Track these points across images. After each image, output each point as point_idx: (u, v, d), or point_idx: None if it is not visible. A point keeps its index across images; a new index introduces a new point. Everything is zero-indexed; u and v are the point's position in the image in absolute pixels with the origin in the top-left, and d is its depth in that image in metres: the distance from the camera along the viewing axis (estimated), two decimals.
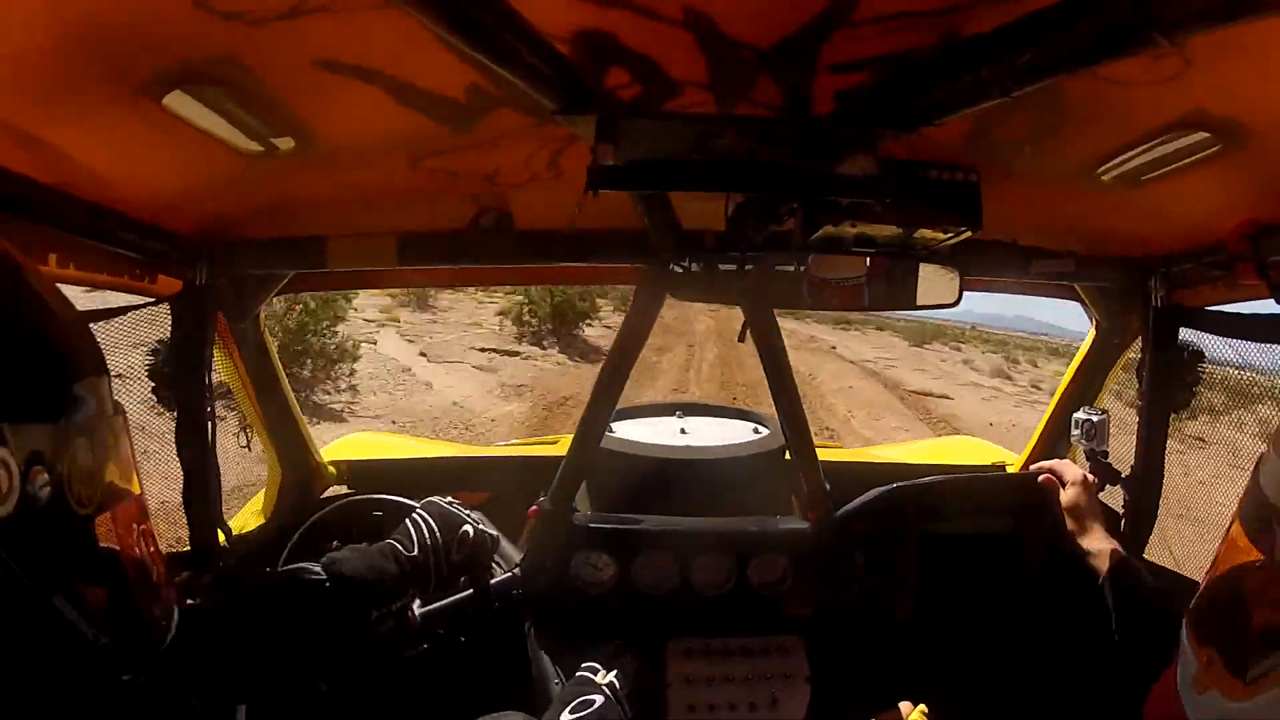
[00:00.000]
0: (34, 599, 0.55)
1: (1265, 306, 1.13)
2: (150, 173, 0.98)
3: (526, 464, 1.84)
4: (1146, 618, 1.11)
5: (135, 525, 0.68)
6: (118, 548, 0.65)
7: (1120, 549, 1.21)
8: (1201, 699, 0.66)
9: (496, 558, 1.51)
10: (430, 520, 1.25)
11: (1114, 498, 1.46)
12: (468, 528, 1.28)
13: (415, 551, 1.20)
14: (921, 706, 1.07)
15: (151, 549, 0.70)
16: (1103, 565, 1.19)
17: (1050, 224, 1.31)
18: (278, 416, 1.60)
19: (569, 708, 1.11)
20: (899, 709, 1.10)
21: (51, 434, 0.58)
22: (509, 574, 1.44)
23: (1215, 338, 1.32)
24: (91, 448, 0.62)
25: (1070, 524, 1.28)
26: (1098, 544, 1.23)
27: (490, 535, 1.33)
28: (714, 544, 1.45)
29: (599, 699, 1.13)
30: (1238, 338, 1.28)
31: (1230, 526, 0.68)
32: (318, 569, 1.10)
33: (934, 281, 1.09)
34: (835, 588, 1.46)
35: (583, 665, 1.23)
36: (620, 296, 16.60)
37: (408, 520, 1.25)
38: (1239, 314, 1.24)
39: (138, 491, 0.69)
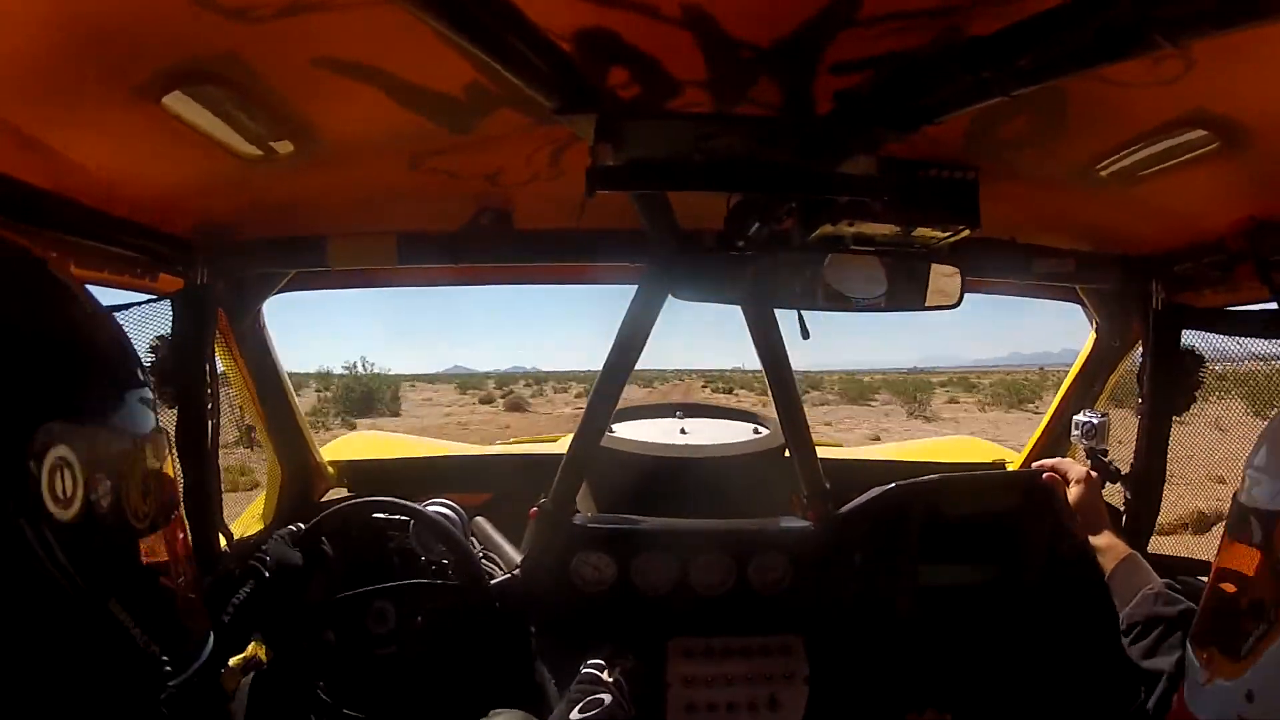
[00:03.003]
0: (91, 604, 0.56)
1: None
2: (150, 173, 0.98)
3: (526, 464, 1.83)
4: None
5: (180, 541, 0.68)
6: (166, 561, 0.65)
7: (1127, 545, 1.22)
8: (1207, 692, 0.69)
9: (496, 558, 1.52)
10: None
11: (1113, 498, 1.46)
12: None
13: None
14: None
15: (191, 567, 0.70)
16: (1109, 561, 1.20)
17: (1050, 222, 1.31)
18: (278, 415, 1.59)
19: (579, 707, 1.10)
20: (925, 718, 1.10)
21: (113, 441, 0.58)
22: (510, 574, 1.44)
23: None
24: (146, 461, 0.62)
25: (1077, 520, 1.29)
26: (1104, 540, 1.23)
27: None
28: (714, 544, 1.45)
29: (608, 697, 1.12)
30: (1238, 335, 1.28)
31: (1219, 547, 0.73)
32: None
33: (939, 284, 1.11)
34: (835, 588, 1.46)
35: (588, 662, 1.22)
36: None
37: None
38: (1238, 311, 1.25)
39: (181, 508, 0.69)
